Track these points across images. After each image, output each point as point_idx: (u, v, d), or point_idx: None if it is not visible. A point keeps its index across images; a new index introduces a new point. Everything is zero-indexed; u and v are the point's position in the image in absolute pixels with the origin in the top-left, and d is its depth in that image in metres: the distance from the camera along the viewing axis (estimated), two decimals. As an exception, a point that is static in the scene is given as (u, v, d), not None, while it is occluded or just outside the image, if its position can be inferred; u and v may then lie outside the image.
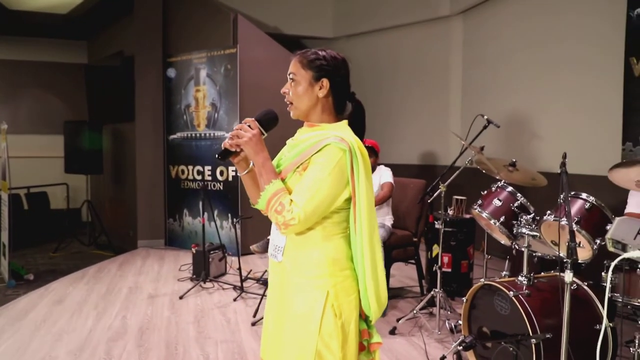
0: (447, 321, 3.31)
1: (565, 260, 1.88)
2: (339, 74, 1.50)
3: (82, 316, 3.74)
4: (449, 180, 3.44)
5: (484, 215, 3.04)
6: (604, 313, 1.84)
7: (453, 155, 5.96)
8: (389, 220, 4.01)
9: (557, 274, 2.77)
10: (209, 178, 5.83)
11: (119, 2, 6.35)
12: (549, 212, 2.60)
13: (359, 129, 1.55)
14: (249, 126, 1.43)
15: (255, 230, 5.32)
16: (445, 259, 3.99)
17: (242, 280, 4.30)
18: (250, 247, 4.03)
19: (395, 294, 4.18)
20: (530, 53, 5.09)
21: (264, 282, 4.39)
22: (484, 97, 5.83)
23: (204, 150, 5.87)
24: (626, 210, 2.87)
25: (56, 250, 6.16)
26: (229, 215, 5.67)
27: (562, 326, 1.95)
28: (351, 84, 1.55)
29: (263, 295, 3.79)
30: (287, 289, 1.48)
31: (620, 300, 2.38)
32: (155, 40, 6.11)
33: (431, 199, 3.50)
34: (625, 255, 1.68)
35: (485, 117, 3.57)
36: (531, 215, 2.91)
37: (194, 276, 4.62)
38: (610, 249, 2.17)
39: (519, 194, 3.01)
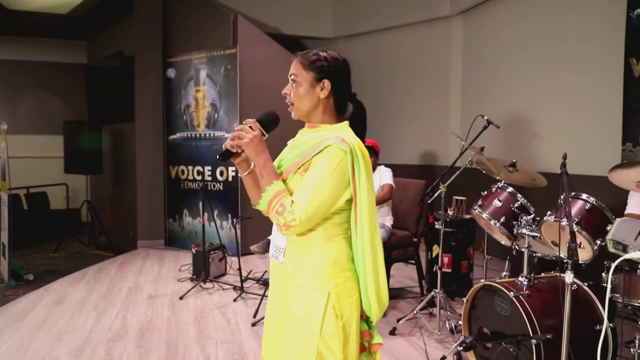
0: (447, 321, 3.31)
1: (565, 261, 1.88)
2: (340, 75, 1.50)
3: (82, 316, 3.74)
4: (449, 181, 3.44)
5: (484, 215, 3.04)
6: (605, 314, 1.84)
7: (453, 155, 5.97)
8: (389, 221, 4.01)
9: (558, 274, 2.77)
10: (209, 178, 5.83)
11: (119, 2, 6.34)
12: (549, 212, 2.60)
13: (360, 129, 1.55)
14: (250, 127, 1.43)
15: (255, 231, 5.32)
16: (445, 260, 3.99)
17: (242, 281, 4.30)
18: (251, 247, 4.03)
19: (395, 294, 4.18)
20: (530, 53, 5.09)
21: (264, 283, 4.39)
22: (484, 97, 5.83)
23: (203, 150, 5.87)
24: (626, 211, 2.87)
25: (56, 250, 6.16)
26: (229, 215, 5.67)
27: (563, 327, 1.95)
28: (351, 84, 1.55)
29: (263, 295, 3.79)
30: (288, 290, 1.48)
31: (620, 300, 2.38)
32: (155, 41, 6.11)
33: (431, 199, 3.51)
34: (626, 256, 1.68)
35: (486, 117, 3.57)
36: (531, 216, 2.92)
37: (194, 276, 4.62)
38: (611, 249, 2.17)
39: (519, 195, 3.01)
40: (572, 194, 2.59)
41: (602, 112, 4.29)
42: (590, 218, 2.49)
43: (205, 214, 5.11)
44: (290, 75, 1.51)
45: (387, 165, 4.16)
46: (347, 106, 1.56)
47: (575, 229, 2.41)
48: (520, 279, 2.62)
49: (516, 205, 2.97)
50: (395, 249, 3.95)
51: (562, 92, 4.73)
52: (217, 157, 1.48)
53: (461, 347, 2.63)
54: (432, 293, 3.47)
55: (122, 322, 3.63)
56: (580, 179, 4.05)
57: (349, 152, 1.38)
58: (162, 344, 3.25)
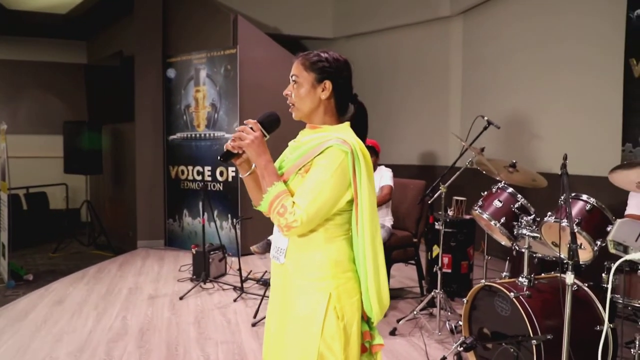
0: (447, 322, 3.31)
1: (566, 262, 1.88)
2: (341, 76, 1.50)
3: (82, 317, 3.74)
4: (449, 181, 3.45)
5: (485, 216, 3.04)
6: (606, 315, 1.84)
7: (453, 155, 5.98)
8: (389, 221, 4.01)
9: (558, 275, 2.77)
10: (209, 178, 5.83)
11: (119, 2, 6.34)
12: (549, 213, 2.60)
13: (361, 130, 1.55)
14: (251, 128, 1.43)
15: (255, 231, 5.32)
16: (445, 260, 3.99)
17: (242, 281, 4.30)
18: (251, 247, 4.03)
19: (395, 294, 4.18)
20: (530, 53, 5.09)
21: (264, 283, 4.39)
22: (483, 97, 5.84)
23: (203, 150, 5.87)
24: (626, 212, 2.88)
25: (55, 250, 6.15)
26: (229, 215, 5.67)
27: (564, 327, 1.95)
28: (352, 85, 1.55)
29: (263, 295, 3.79)
30: (290, 291, 1.48)
31: (620, 301, 2.39)
32: (155, 41, 6.11)
33: (431, 199, 3.51)
34: (627, 257, 1.69)
35: (486, 118, 3.57)
36: (532, 217, 2.92)
37: (194, 277, 4.62)
38: (612, 250, 2.17)
39: (519, 195, 3.01)
40: (573, 194, 2.59)
41: (602, 113, 4.29)
42: (590, 219, 2.49)
43: (205, 214, 5.11)
44: (291, 76, 1.51)
45: (387, 166, 4.16)
46: (348, 107, 1.56)
47: (576, 230, 2.41)
48: (520, 279, 2.62)
49: (516, 205, 2.97)
50: (395, 250, 3.95)
51: (562, 92, 4.73)
52: (219, 158, 1.48)
53: (461, 348, 2.63)
54: (432, 293, 3.47)
55: (122, 322, 3.63)
56: (580, 179, 4.06)
57: (350, 153, 1.38)
58: (163, 344, 3.25)
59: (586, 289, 2.55)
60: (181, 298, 4.14)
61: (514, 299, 2.44)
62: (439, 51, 6.45)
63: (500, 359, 2.49)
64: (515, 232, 2.92)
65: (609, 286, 1.63)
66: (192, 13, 6.05)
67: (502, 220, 2.97)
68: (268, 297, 3.64)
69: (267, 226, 3.68)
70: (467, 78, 6.17)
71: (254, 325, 3.54)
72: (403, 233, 4.09)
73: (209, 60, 5.78)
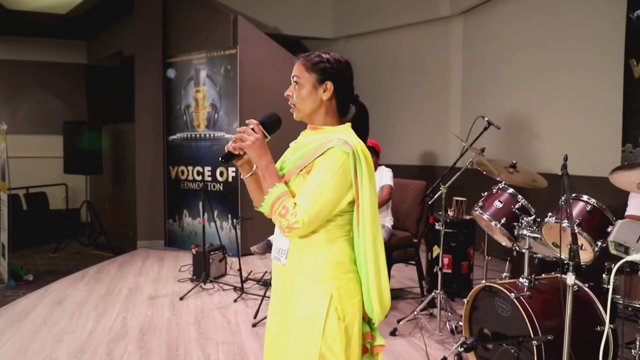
0: (447, 322, 3.32)
1: (567, 263, 1.88)
2: (342, 77, 1.50)
3: (82, 317, 3.74)
4: (449, 182, 3.45)
5: (485, 217, 3.05)
6: (607, 316, 1.85)
7: (453, 155, 5.98)
8: (389, 222, 4.02)
9: (558, 275, 2.77)
10: (209, 179, 5.83)
11: (119, 2, 6.34)
12: (550, 214, 2.60)
13: (362, 131, 1.55)
14: (253, 129, 1.43)
15: (255, 231, 5.32)
16: (446, 260, 3.99)
17: (242, 281, 4.30)
18: (251, 248, 4.03)
19: (395, 295, 4.18)
20: (530, 53, 5.09)
21: (264, 283, 4.39)
22: (483, 97, 5.84)
23: (203, 150, 5.87)
24: (627, 212, 2.88)
25: (55, 250, 6.15)
26: (229, 216, 5.67)
27: (564, 328, 1.95)
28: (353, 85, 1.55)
29: (264, 296, 3.79)
30: (291, 292, 1.48)
31: (621, 302, 2.39)
32: (155, 41, 6.11)
33: (432, 200, 3.51)
34: (628, 258, 1.69)
35: (486, 118, 3.57)
36: (532, 217, 2.92)
37: (194, 277, 4.62)
38: (613, 251, 2.17)
39: (519, 196, 3.02)
40: (573, 195, 2.59)
41: (602, 113, 4.29)
42: (591, 219, 2.50)
43: (206, 214, 5.11)
44: (292, 77, 1.51)
45: (387, 166, 4.16)
46: (349, 108, 1.56)
47: (576, 231, 2.41)
48: (521, 280, 2.62)
49: (517, 206, 2.98)
50: (395, 250, 3.95)
51: (562, 92, 4.73)
52: (220, 159, 1.48)
53: (462, 348, 2.63)
54: (432, 294, 3.48)
55: (123, 322, 3.63)
56: (580, 179, 4.06)
57: (351, 154, 1.38)
58: (163, 344, 3.25)
59: (587, 289, 2.55)
60: (181, 298, 4.14)
61: (514, 300, 2.44)
62: (439, 51, 6.45)
63: (500, 360, 2.49)
64: (515, 233, 2.92)
65: (610, 287, 1.63)
66: (192, 13, 6.05)
67: (502, 221, 2.97)
68: (268, 297, 3.63)
69: (267, 227, 3.67)
70: (467, 78, 6.17)
71: (254, 325, 3.54)
72: (403, 233, 4.09)
73: (209, 60, 5.78)
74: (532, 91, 5.11)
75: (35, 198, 7.39)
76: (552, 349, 2.30)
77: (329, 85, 1.48)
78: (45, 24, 7.37)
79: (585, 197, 2.57)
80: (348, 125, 1.53)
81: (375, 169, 3.97)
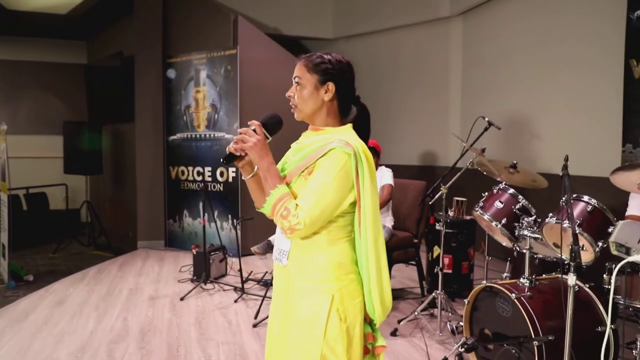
0: (448, 323, 3.32)
1: (567, 263, 1.88)
2: (344, 78, 1.50)
3: (82, 318, 3.74)
4: (450, 182, 3.45)
5: (486, 217, 3.05)
6: (608, 316, 1.85)
7: (453, 155, 5.98)
8: (389, 222, 4.02)
9: (559, 276, 2.77)
10: (209, 179, 5.83)
11: (119, 2, 6.34)
12: (550, 214, 2.61)
13: (363, 132, 1.55)
14: (254, 130, 1.43)
15: (255, 232, 5.32)
16: (446, 261, 4.00)
17: (242, 282, 4.30)
18: (251, 248, 4.03)
19: (396, 295, 4.18)
20: (530, 53, 5.09)
21: (264, 284, 4.39)
22: (483, 97, 5.84)
23: (204, 151, 5.87)
24: (627, 213, 2.88)
25: (56, 251, 6.15)
26: (229, 216, 5.67)
27: (565, 328, 1.95)
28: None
29: (264, 296, 3.80)
30: (292, 293, 1.48)
31: (622, 302, 2.39)
32: (155, 41, 6.11)
33: (432, 200, 3.51)
34: (630, 258, 1.69)
35: (487, 119, 3.58)
36: (533, 218, 2.92)
37: (195, 277, 4.62)
38: (614, 252, 2.18)
39: (520, 196, 3.02)
40: (574, 195, 2.59)
41: (602, 113, 4.29)
42: (591, 220, 2.50)
43: (206, 214, 5.11)
44: (294, 78, 1.51)
45: (387, 166, 4.16)
46: (350, 109, 1.56)
47: (577, 231, 2.42)
48: (521, 280, 2.62)
49: (517, 206, 2.98)
50: (396, 250, 3.95)
51: (562, 92, 4.73)
52: (221, 160, 1.48)
53: (462, 349, 2.63)
54: (433, 294, 3.48)
55: (123, 323, 3.63)
56: (580, 180, 4.06)
57: (353, 155, 1.39)
58: (164, 345, 3.25)
59: (587, 290, 2.55)
60: (182, 299, 4.14)
61: (515, 300, 2.44)
62: (438, 51, 6.45)
63: (501, 360, 2.49)
64: (516, 233, 2.93)
65: (612, 287, 1.64)
66: (192, 13, 6.05)
67: (503, 221, 2.97)
68: (269, 297, 3.62)
69: (267, 227, 3.66)
70: (467, 78, 6.17)
71: (255, 326, 3.54)
72: (404, 234, 4.09)
73: (209, 60, 5.78)
74: (532, 91, 5.11)
75: (36, 198, 7.39)
76: (553, 349, 2.30)
77: (331, 86, 1.48)
78: (45, 24, 7.37)
79: (586, 198, 2.57)
80: (349, 126, 1.53)
81: (376, 169, 3.97)
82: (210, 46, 5.78)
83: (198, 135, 5.91)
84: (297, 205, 1.36)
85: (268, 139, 1.45)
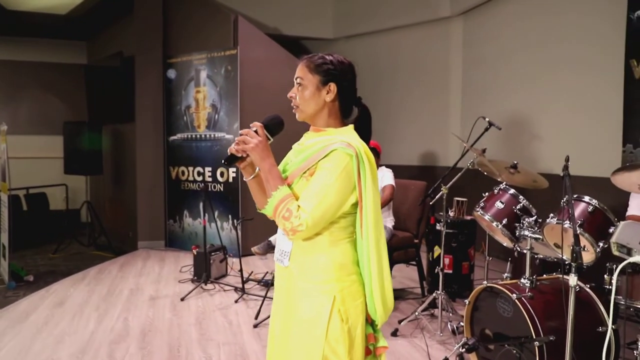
0: (449, 323, 3.32)
1: (568, 263, 1.89)
2: (346, 79, 1.50)
3: (83, 318, 3.74)
4: (450, 183, 3.45)
5: (487, 217, 3.05)
6: (610, 317, 1.85)
7: (453, 156, 5.99)
8: (390, 222, 4.02)
9: (560, 276, 2.77)
10: (209, 179, 5.83)
11: (119, 2, 6.34)
12: (551, 215, 2.61)
13: (365, 133, 1.55)
14: (256, 131, 1.43)
15: (256, 232, 5.32)
16: (447, 261, 4.00)
17: (243, 282, 4.30)
18: (252, 248, 4.03)
19: (396, 295, 4.17)
20: (531, 54, 5.10)
21: (265, 284, 4.39)
22: (484, 97, 5.84)
23: (204, 151, 5.87)
24: (628, 213, 2.88)
25: (56, 251, 6.15)
26: (230, 216, 5.67)
27: (567, 329, 1.95)
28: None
29: (265, 297, 3.79)
30: (294, 294, 1.48)
31: (622, 302, 2.39)
32: (155, 41, 6.11)
33: (433, 201, 3.51)
34: (632, 259, 1.69)
35: (487, 119, 3.58)
36: (533, 218, 2.92)
37: (195, 278, 4.62)
38: (615, 252, 2.18)
39: (521, 197, 3.02)
40: (575, 196, 2.59)
41: (603, 113, 4.29)
42: (592, 220, 2.50)
43: (206, 215, 5.12)
44: (296, 79, 1.51)
45: (387, 166, 4.16)
46: (352, 110, 1.56)
47: (578, 232, 2.42)
48: (522, 280, 2.62)
49: (518, 207, 2.98)
50: (396, 250, 3.95)
51: (562, 92, 4.74)
52: (223, 161, 1.48)
53: (463, 349, 2.63)
54: (433, 294, 3.48)
55: (124, 323, 3.63)
56: (581, 180, 4.06)
57: (354, 157, 1.39)
58: (164, 345, 3.25)
59: (588, 290, 2.55)
60: (182, 299, 4.14)
61: (516, 301, 2.44)
62: (439, 51, 6.45)
63: (502, 360, 2.49)
64: (517, 234, 2.93)
65: (613, 288, 1.64)
66: (192, 13, 6.05)
67: (504, 222, 2.97)
68: (269, 298, 3.63)
69: (267, 227, 3.66)
70: (467, 78, 6.17)
71: (255, 326, 3.54)
72: (404, 234, 4.09)
73: (210, 60, 5.78)
74: (533, 91, 5.12)
75: (36, 198, 7.39)
76: (554, 350, 2.30)
77: (332, 86, 1.48)
78: (45, 24, 7.36)
79: (587, 198, 2.57)
80: (351, 127, 1.53)
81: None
82: (211, 46, 5.78)
83: (198, 136, 5.91)
84: (299, 206, 1.36)
85: (270, 140, 1.45)
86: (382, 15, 6.86)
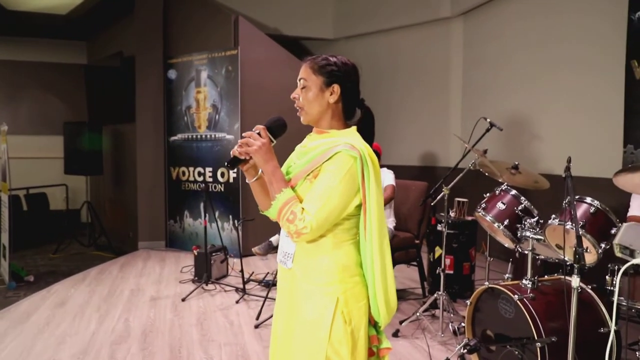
0: (450, 323, 3.32)
1: (570, 264, 1.89)
2: (349, 80, 1.50)
3: (84, 319, 3.73)
4: (452, 183, 3.45)
5: (488, 218, 3.05)
6: (612, 318, 1.85)
7: (453, 156, 5.99)
8: (391, 223, 4.02)
9: (561, 277, 2.77)
10: (210, 180, 5.83)
11: (119, 2, 6.33)
12: (553, 216, 2.61)
13: (368, 135, 1.55)
14: (259, 134, 1.43)
15: (256, 232, 5.32)
16: (447, 261, 4.00)
17: (244, 282, 4.30)
18: (252, 249, 4.03)
19: (397, 296, 4.15)
20: (531, 54, 5.10)
21: (266, 284, 4.39)
22: (484, 97, 5.84)
23: (204, 151, 5.87)
24: (629, 214, 2.88)
25: (56, 251, 6.15)
26: (230, 217, 5.67)
27: (569, 330, 1.95)
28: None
29: (266, 297, 3.79)
30: (297, 296, 1.48)
31: (624, 303, 2.39)
32: (155, 41, 6.10)
33: (434, 201, 3.51)
34: (634, 261, 1.69)
35: (488, 120, 3.58)
36: (535, 219, 2.92)
37: (196, 278, 4.62)
38: (618, 254, 2.18)
39: (522, 198, 3.02)
40: (577, 197, 2.59)
41: (603, 114, 4.30)
42: (594, 222, 2.50)
43: (207, 215, 5.11)
44: (299, 80, 1.51)
45: (388, 167, 4.16)
46: (355, 111, 1.56)
47: (580, 233, 2.42)
48: (524, 281, 2.62)
49: (520, 208, 2.98)
50: (397, 251, 3.95)
51: (562, 93, 4.74)
52: (225, 164, 1.48)
53: (465, 350, 2.63)
54: (434, 295, 3.48)
55: (125, 324, 3.63)
56: (581, 180, 4.06)
57: (358, 159, 1.39)
58: (166, 346, 3.25)
59: (590, 291, 2.55)
60: (183, 300, 4.14)
61: (517, 302, 2.44)
62: (439, 52, 6.45)
63: (504, 361, 2.50)
64: (518, 234, 2.93)
65: (616, 289, 1.64)
66: (192, 14, 6.05)
67: (505, 223, 2.97)
68: (270, 298, 3.62)
69: (268, 228, 3.66)
70: (468, 78, 6.17)
71: (256, 327, 3.54)
72: (405, 234, 4.09)
73: (210, 61, 5.78)
74: (533, 92, 5.12)
75: (36, 199, 7.39)
76: (556, 351, 2.30)
77: (336, 88, 1.48)
78: (45, 24, 7.36)
79: (588, 199, 2.57)
80: (354, 128, 1.53)
81: (377, 171, 3.97)
82: (211, 47, 5.78)
83: (199, 136, 5.91)
84: (303, 209, 1.36)
85: (273, 142, 1.45)
86: (383, 15, 6.86)
